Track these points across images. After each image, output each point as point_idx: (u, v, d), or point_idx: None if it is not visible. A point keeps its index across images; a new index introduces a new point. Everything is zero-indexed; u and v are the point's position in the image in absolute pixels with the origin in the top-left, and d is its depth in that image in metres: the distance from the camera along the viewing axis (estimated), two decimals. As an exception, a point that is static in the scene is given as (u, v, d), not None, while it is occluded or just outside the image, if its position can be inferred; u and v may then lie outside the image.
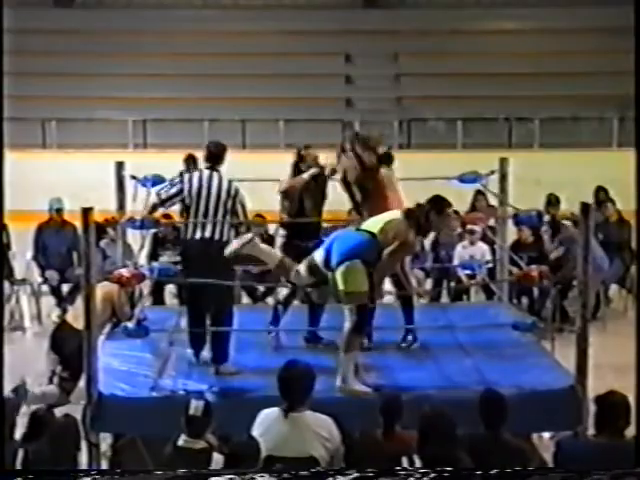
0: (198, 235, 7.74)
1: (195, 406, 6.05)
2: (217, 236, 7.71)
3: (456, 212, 12.57)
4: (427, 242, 12.59)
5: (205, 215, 7.73)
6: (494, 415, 6.14)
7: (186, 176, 7.96)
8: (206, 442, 6.02)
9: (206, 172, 7.88)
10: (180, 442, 6.01)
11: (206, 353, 7.83)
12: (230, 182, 7.86)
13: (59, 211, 12.80)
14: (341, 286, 6.98)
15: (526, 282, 8.58)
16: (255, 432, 6.07)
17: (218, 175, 7.85)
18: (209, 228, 7.73)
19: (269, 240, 10.82)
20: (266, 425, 6.12)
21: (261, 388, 7.10)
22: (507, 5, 23.47)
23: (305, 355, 7.49)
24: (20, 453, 6.22)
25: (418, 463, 5.86)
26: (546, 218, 12.28)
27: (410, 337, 8.31)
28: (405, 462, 6.08)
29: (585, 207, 7.22)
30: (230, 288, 8.14)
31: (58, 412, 7.09)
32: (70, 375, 9.04)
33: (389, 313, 8.45)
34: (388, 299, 12.13)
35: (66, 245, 12.71)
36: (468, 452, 5.81)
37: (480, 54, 22.60)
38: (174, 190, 7.85)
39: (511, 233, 11.19)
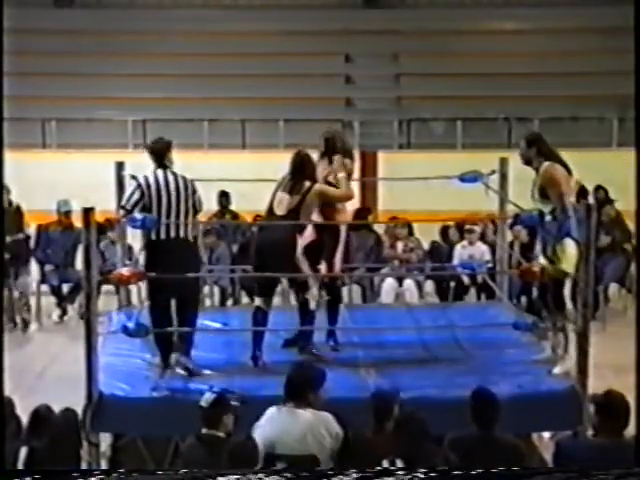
0: (163, 236, 7.62)
1: (205, 398, 6.16)
2: (182, 235, 7.65)
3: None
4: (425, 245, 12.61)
5: (168, 215, 7.62)
6: (486, 414, 6.12)
7: (141, 180, 7.73)
8: (225, 433, 6.09)
9: (160, 172, 7.71)
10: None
11: (176, 356, 7.67)
12: (185, 178, 7.75)
13: (67, 213, 12.77)
14: None
15: (528, 277, 8.57)
16: (258, 428, 6.13)
17: (173, 173, 7.72)
18: (174, 228, 7.63)
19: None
20: (268, 418, 6.18)
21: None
22: (507, 5, 23.46)
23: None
24: (23, 452, 6.20)
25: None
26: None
27: None
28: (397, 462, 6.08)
29: (587, 208, 7.23)
30: (197, 286, 8.10)
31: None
32: None
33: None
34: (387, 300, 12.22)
35: (70, 246, 12.66)
36: (467, 453, 5.81)
37: (480, 54, 22.57)
38: (136, 196, 7.69)
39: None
